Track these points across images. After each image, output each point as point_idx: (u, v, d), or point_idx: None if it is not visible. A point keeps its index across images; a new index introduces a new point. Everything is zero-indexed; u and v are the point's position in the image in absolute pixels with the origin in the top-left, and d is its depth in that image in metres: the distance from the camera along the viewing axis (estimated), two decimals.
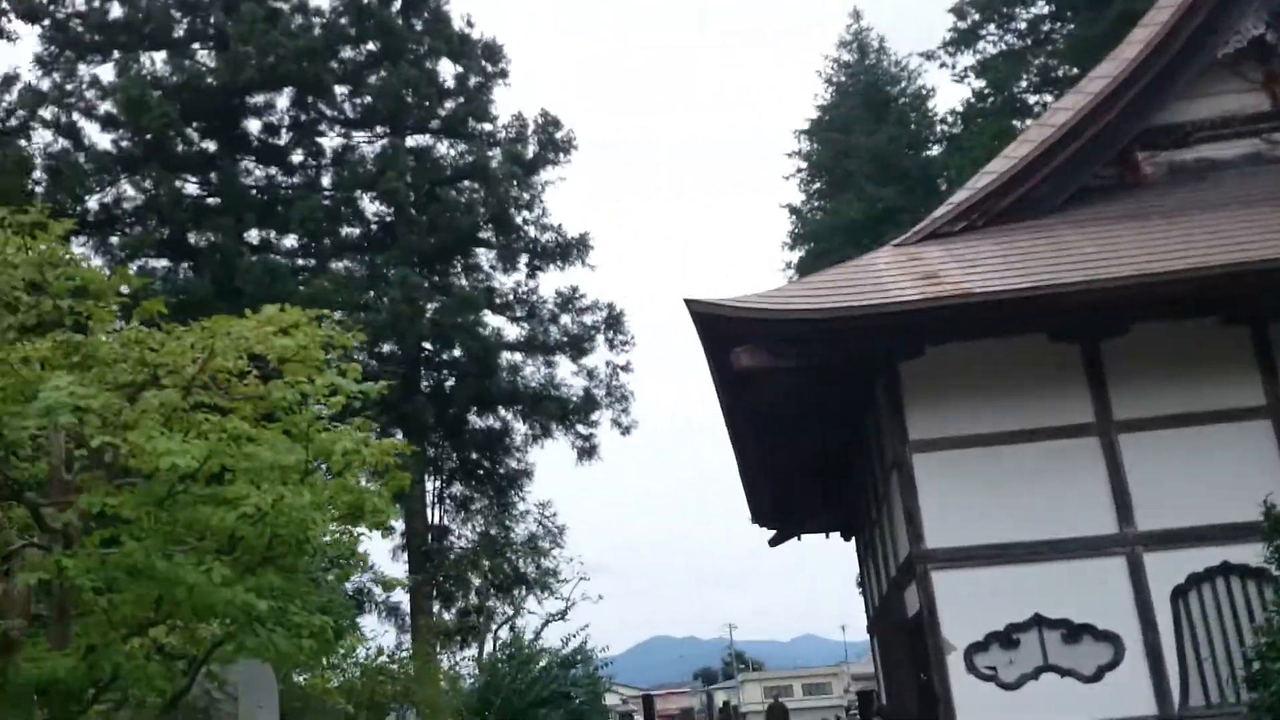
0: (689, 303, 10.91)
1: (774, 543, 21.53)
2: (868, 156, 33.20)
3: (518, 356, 28.01)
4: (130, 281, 7.18)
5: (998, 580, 11.12)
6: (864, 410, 13.64)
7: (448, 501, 28.51)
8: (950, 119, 34.16)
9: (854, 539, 20.55)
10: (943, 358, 11.57)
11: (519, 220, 27.76)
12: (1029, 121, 24.59)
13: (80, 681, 6.08)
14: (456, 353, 26.99)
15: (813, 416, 13.89)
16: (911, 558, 11.59)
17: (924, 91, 35.99)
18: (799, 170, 37.04)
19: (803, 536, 21.45)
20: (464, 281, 27.89)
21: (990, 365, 11.52)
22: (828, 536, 21.41)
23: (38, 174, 24.47)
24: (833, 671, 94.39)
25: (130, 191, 26.01)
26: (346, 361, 7.41)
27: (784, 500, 18.21)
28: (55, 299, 6.73)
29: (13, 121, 27.18)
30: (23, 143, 26.21)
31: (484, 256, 28.46)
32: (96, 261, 23.73)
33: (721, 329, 11.13)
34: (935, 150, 34.82)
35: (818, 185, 36.64)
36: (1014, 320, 11.04)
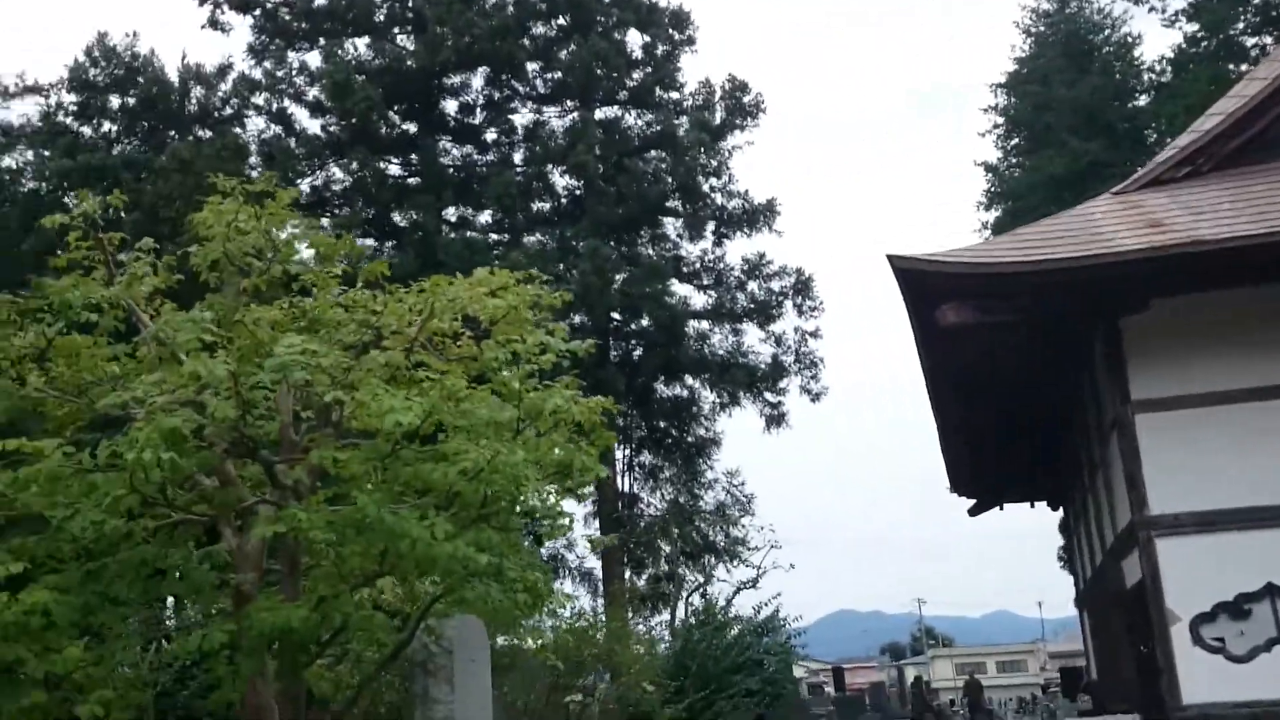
0: (892, 259, 10.57)
1: (974, 512, 20.83)
2: (1069, 109, 31.62)
3: (705, 324, 27.97)
4: (353, 247, 7.42)
5: (1227, 548, 10.43)
6: (1078, 369, 12.97)
7: (637, 470, 28.82)
8: (1159, 66, 32.14)
9: (1061, 508, 19.68)
10: (1169, 311, 10.87)
11: (706, 188, 27.65)
12: (1246, 66, 22.88)
13: (312, 632, 6.33)
14: (644, 322, 27.15)
15: (1020, 377, 13.31)
16: (1133, 525, 10.98)
17: (1129, 39, 34.03)
18: (995, 126, 35.66)
19: (1005, 506, 20.69)
20: (651, 251, 28.02)
21: (1222, 318, 10.75)
22: (1032, 506, 20.58)
23: (253, 159, 25.84)
24: (1028, 648, 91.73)
25: (338, 174, 27.24)
26: (552, 324, 7.53)
27: (986, 467, 17.56)
28: (284, 264, 7.00)
29: (228, 110, 28.87)
30: (238, 130, 27.81)
31: (671, 225, 28.52)
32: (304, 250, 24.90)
33: (927, 285, 10.74)
34: (1143, 100, 32.90)
35: (1016, 141, 35.17)
36: (1250, 269, 10.25)
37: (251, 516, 7.15)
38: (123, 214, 6.77)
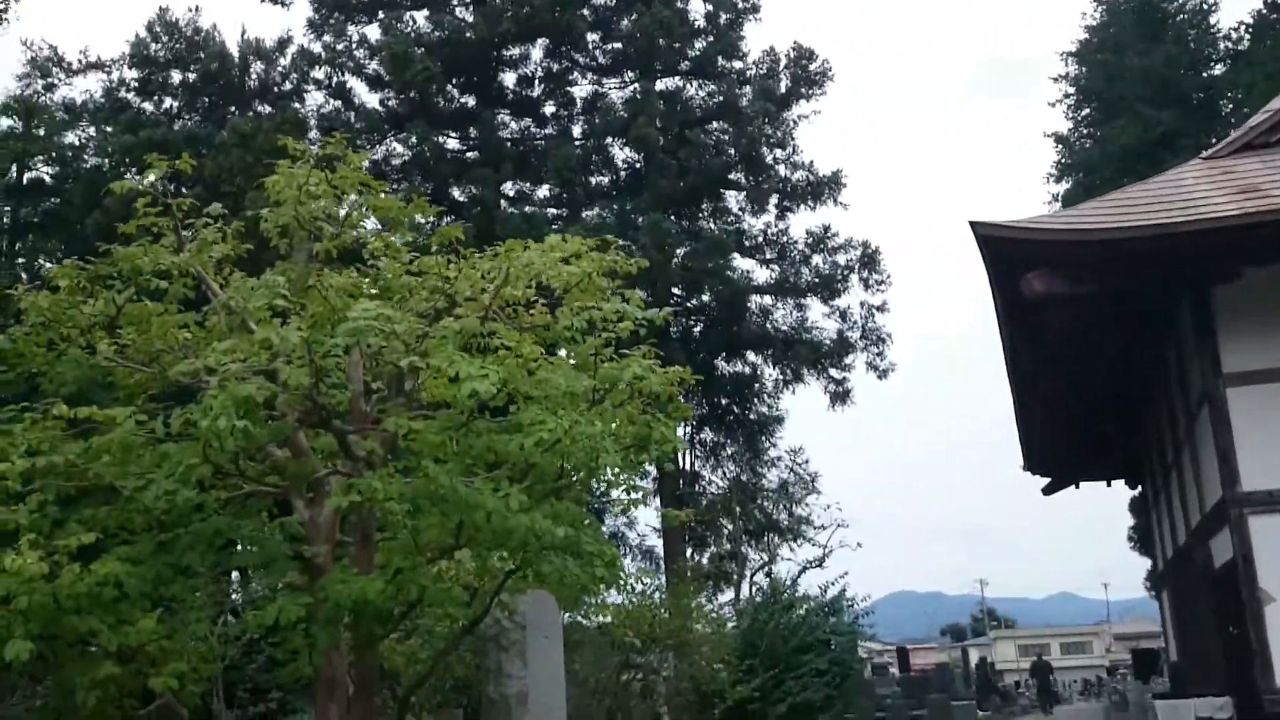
0: (976, 225, 10.18)
1: (1048, 491, 20.34)
2: (1142, 78, 30.64)
3: (767, 299, 27.58)
4: (424, 210, 7.22)
5: None
6: (1164, 342, 12.51)
7: (698, 447, 28.56)
8: (1236, 34, 31.05)
9: (1140, 486, 19.13)
10: (1263, 280, 10.40)
11: (770, 159, 27.17)
12: None
13: (388, 604, 6.17)
14: (705, 298, 26.83)
15: (1104, 350, 12.86)
16: (1223, 502, 10.56)
17: (1204, 6, 32.87)
18: (1066, 96, 34.70)
19: (1080, 484, 20.17)
20: (713, 225, 27.60)
21: None
22: (1109, 484, 20.05)
23: (312, 134, 25.85)
24: (1093, 630, 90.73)
25: (397, 148, 27.16)
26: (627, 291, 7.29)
27: (1063, 444, 17.08)
28: (355, 228, 6.82)
29: (287, 85, 28.92)
30: (297, 105, 27.84)
31: (733, 199, 28.09)
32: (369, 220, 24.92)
33: (1012, 253, 10.35)
34: (1218, 69, 31.81)
35: (1087, 111, 34.21)
36: None
37: (323, 489, 7.02)
38: (184, 189, 6.66)
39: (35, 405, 6.53)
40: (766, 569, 25.45)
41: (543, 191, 27.87)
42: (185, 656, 6.58)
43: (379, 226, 7.40)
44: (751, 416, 28.12)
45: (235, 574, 11.50)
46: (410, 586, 6.15)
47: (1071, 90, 34.48)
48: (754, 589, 24.06)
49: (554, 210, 27.41)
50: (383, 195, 7.08)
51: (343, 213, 6.81)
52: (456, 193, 26.56)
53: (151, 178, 6.74)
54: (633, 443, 7.10)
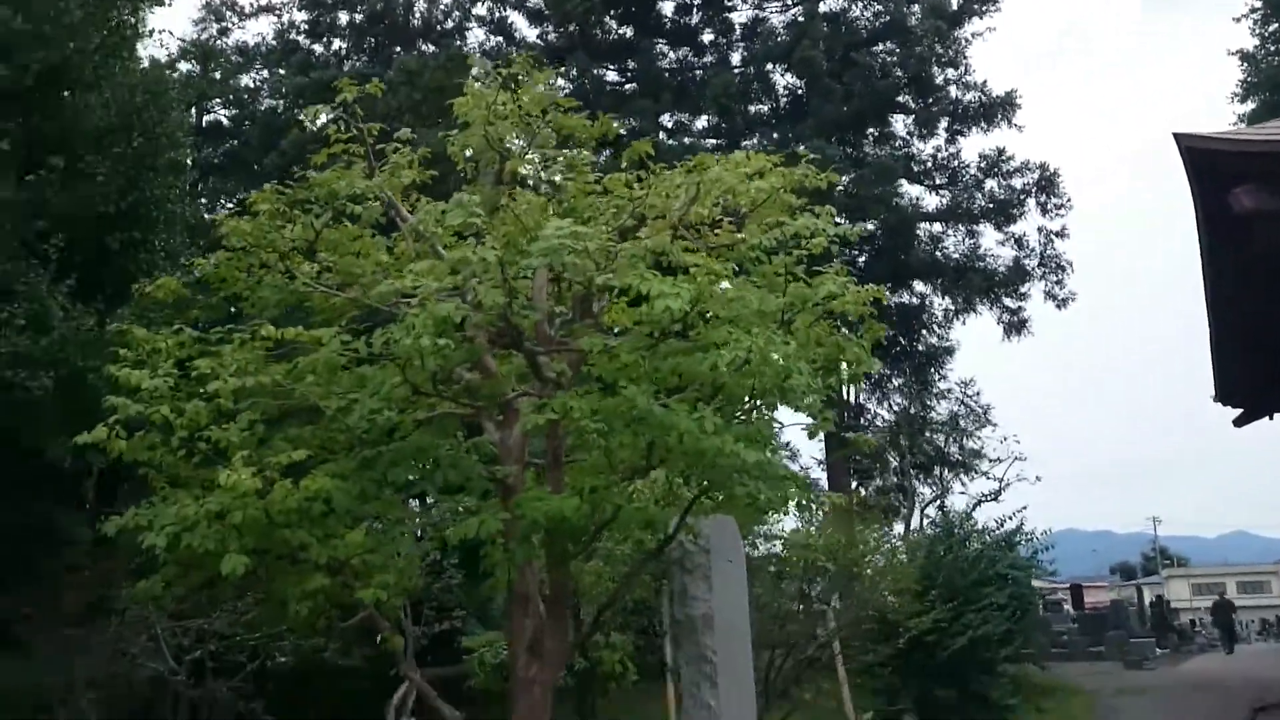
0: (1180, 137, 9.51)
1: (1240, 422, 19.18)
2: None
3: (937, 227, 26.69)
4: (610, 130, 7.12)
5: None
6: None
7: (864, 380, 28.01)
8: None
9: None
10: None
11: (940, 80, 26.13)
12: None
13: (583, 521, 6.18)
14: (871, 226, 26.13)
15: None
16: None
17: None
18: (1252, 10, 32.21)
19: (1275, 415, 18.94)
20: (879, 150, 26.79)
21: None
22: None
23: (475, 70, 26.01)
24: (1271, 569, 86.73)
25: (559, 82, 27.14)
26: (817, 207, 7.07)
27: (1263, 372, 16.03)
28: (542, 149, 6.77)
29: (450, 23, 29.24)
30: (460, 42, 28.13)
31: (901, 122, 27.20)
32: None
33: (1220, 167, 9.64)
34: None
35: (1275, 26, 31.72)
36: None
37: (512, 411, 7.07)
38: (357, 127, 6.87)
39: (241, 327, 6.74)
40: (939, 502, 24.92)
41: (701, 122, 27.55)
42: (391, 571, 6.75)
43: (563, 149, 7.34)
44: (919, 347, 27.41)
45: (414, 502, 11.87)
46: (606, 505, 6.14)
47: (1259, 4, 32.00)
48: (925, 522, 23.61)
49: (713, 140, 27.08)
50: (568, 115, 7.00)
51: (528, 138, 6.76)
52: (616, 124, 26.44)
53: (348, 97, 6.83)
54: (823, 364, 6.91)
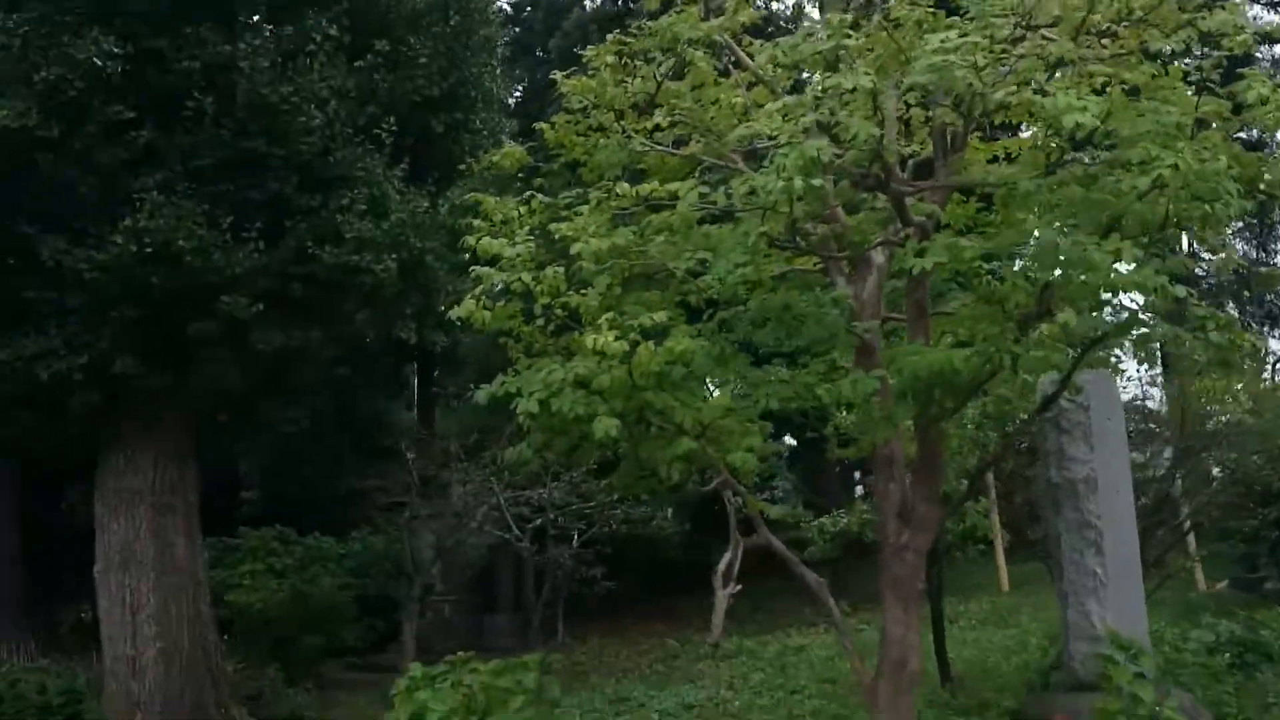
0: None
1: None
2: None
3: None
4: None
5: None
6: None
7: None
8: None
9: None
10: None
11: None
12: None
13: (976, 373, 5.60)
14: None
15: None
16: None
17: None
18: None
19: None
20: None
21: None
22: None
23: None
24: None
25: None
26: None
27: None
28: None
29: None
30: None
31: None
32: None
33: None
34: None
35: None
36: None
37: (866, 263, 6.53)
38: None
39: (591, 190, 6.50)
40: None
41: None
42: (752, 434, 6.46)
43: None
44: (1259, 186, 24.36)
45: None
46: (1001, 355, 5.51)
47: None
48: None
49: None
50: None
51: None
52: None
53: None
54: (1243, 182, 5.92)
